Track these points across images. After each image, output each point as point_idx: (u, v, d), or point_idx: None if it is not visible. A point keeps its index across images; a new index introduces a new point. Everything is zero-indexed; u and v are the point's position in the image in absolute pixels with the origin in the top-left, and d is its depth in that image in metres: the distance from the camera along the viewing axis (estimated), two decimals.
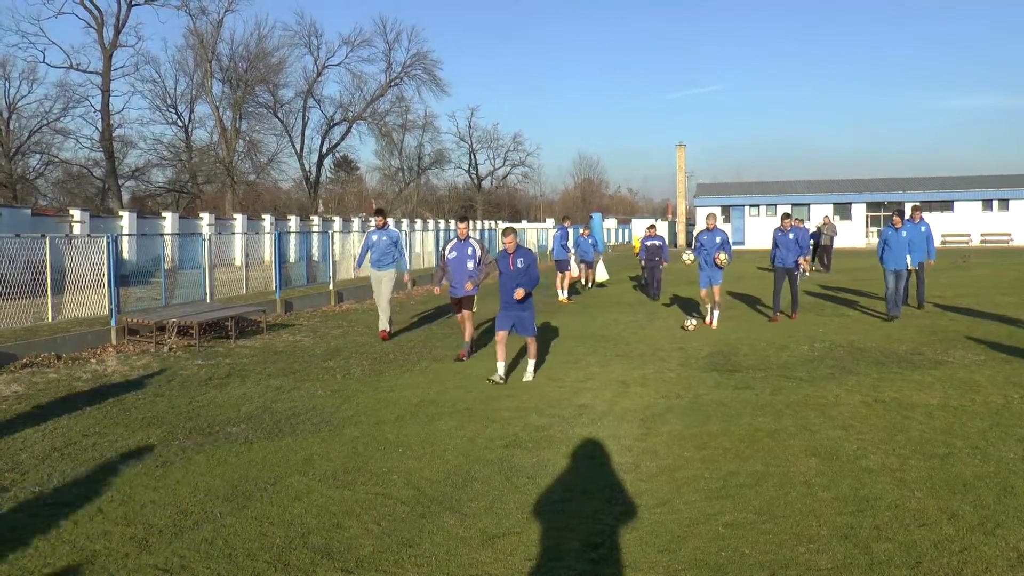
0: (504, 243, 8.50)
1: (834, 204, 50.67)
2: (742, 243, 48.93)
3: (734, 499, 4.69)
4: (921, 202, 48.99)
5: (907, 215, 14.00)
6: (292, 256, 20.00)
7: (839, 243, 47.21)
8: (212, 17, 46.96)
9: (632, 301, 16.90)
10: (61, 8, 46.24)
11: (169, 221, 27.18)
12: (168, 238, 16.29)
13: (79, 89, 46.02)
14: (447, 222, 44.34)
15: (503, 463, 5.46)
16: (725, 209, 52.64)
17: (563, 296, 17.13)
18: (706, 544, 4.05)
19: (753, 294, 17.08)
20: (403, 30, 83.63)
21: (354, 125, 57.47)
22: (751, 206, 51.72)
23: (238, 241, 18.36)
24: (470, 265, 9.66)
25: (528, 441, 6.01)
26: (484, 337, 11.14)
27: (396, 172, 64.52)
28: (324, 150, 57.49)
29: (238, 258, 17.10)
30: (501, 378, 8.09)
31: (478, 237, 10.14)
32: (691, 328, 11.77)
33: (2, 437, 6.13)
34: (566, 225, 19.05)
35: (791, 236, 12.95)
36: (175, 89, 50.63)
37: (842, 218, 50.26)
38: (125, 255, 16.98)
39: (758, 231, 49.30)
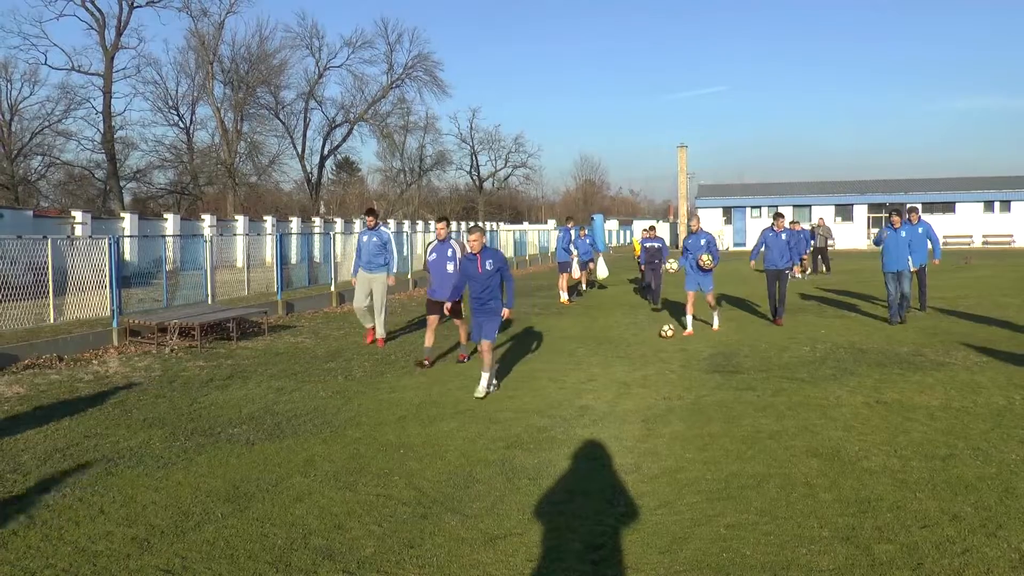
0: (469, 243, 7.79)
1: (836, 205, 50.68)
2: (743, 244, 48.93)
3: (735, 500, 4.69)
4: (923, 203, 49.07)
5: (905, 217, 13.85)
6: (293, 258, 20.04)
7: (841, 244, 47.55)
8: (213, 19, 47.05)
9: (633, 303, 16.89)
10: (63, 10, 46.36)
11: (170, 223, 27.21)
12: (170, 240, 16.31)
13: (81, 91, 46.35)
14: (448, 223, 44.38)
15: (504, 464, 5.46)
16: (727, 210, 52.68)
17: (564, 297, 17.13)
18: (707, 545, 4.05)
19: (754, 295, 17.06)
20: (404, 31, 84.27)
21: (355, 127, 57.60)
22: (752, 207, 51.72)
23: (239, 243, 18.38)
24: (450, 267, 9.33)
25: (529, 442, 6.01)
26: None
27: (398, 174, 64.56)
28: (325, 152, 57.63)
29: (239, 259, 17.11)
30: (484, 388, 7.61)
31: (458, 237, 9.60)
32: (668, 335, 11.20)
33: (4, 438, 6.14)
34: (569, 226, 18.94)
35: (783, 237, 12.49)
36: (176, 91, 50.81)
37: (843, 219, 50.30)
38: (127, 256, 17.01)
39: (760, 232, 49.33)
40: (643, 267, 17.13)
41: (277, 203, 55.06)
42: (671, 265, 13.14)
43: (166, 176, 51.03)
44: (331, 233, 18.43)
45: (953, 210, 49.36)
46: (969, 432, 6.03)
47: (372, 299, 10.95)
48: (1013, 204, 48.56)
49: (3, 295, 10.22)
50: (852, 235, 49.50)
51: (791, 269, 12.66)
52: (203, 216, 30.52)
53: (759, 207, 51.39)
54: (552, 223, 52.99)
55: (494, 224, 46.88)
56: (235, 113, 49.17)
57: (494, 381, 7.85)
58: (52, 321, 10.66)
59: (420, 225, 38.20)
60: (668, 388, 7.92)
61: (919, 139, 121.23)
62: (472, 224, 9.39)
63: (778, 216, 12.96)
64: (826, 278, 22.79)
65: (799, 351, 9.98)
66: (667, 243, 17.62)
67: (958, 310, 13.84)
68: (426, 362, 9.25)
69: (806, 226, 23.62)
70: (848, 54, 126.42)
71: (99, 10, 40.56)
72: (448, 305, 9.13)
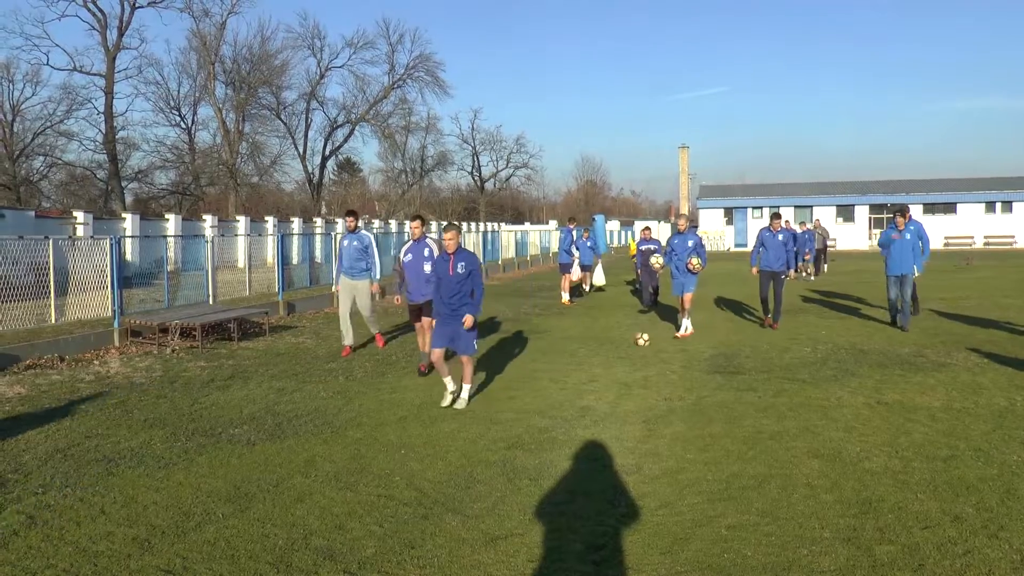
0: (444, 242, 7.31)
1: (837, 206, 50.65)
2: (744, 245, 48.90)
3: (737, 501, 4.69)
4: (924, 204, 49.12)
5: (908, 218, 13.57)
6: (295, 258, 20.01)
7: (842, 245, 47.51)
8: (215, 19, 47.14)
9: (634, 303, 16.88)
10: (65, 11, 46.58)
11: (172, 223, 27.23)
12: (171, 240, 16.32)
13: (82, 91, 46.30)
14: (450, 223, 44.38)
15: (505, 465, 5.46)
16: (728, 211, 52.67)
17: (566, 298, 17.12)
18: (708, 546, 4.05)
19: (755, 297, 17.00)
20: (406, 32, 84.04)
21: (357, 127, 57.64)
22: (754, 208, 51.70)
23: (241, 243, 18.40)
24: (427, 267, 8.76)
25: (530, 443, 6.00)
26: (482, 342, 11.12)
27: (399, 174, 64.59)
28: (327, 152, 57.68)
29: (241, 260, 17.13)
30: (452, 391, 7.23)
31: (436, 237, 8.92)
32: (642, 343, 10.61)
33: (5, 438, 6.15)
34: (571, 227, 18.82)
35: (780, 238, 12.14)
36: (178, 91, 50.86)
37: (844, 220, 50.28)
38: (128, 257, 17.02)
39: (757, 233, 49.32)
40: (639, 270, 17.02)
41: (279, 203, 55.08)
42: (656, 260, 12.78)
43: (168, 176, 51.15)
44: (332, 234, 18.44)
45: (954, 211, 49.31)
46: (970, 433, 6.02)
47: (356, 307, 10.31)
48: (1015, 205, 48.50)
49: (5, 295, 10.23)
50: (853, 236, 49.49)
51: (787, 272, 12.26)
52: (204, 216, 30.53)
53: (760, 208, 51.37)
54: (553, 223, 52.97)
55: (495, 224, 46.89)
56: (237, 113, 49.22)
57: (450, 398, 7.24)
58: (53, 321, 10.67)
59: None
60: (669, 389, 7.91)
61: (920, 140, 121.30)
62: (420, 223, 8.99)
63: (775, 216, 12.61)
64: (814, 281, 22.70)
65: (800, 352, 9.97)
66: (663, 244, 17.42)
67: (959, 311, 13.82)
68: (423, 368, 8.87)
69: (805, 227, 23.51)
70: (849, 55, 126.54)
71: (101, 10, 40.65)
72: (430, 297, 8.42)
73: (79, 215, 22.90)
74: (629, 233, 61.45)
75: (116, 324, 10.93)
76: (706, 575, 3.74)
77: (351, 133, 57.84)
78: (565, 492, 4.91)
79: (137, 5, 41.38)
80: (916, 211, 49.09)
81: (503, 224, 48.92)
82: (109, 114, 41.71)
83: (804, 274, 22.25)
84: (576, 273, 18.38)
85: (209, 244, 13.95)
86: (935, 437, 5.94)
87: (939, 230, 48.72)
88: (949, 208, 49.36)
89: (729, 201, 53.33)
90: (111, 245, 11.03)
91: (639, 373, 8.79)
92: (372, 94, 57.19)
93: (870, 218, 50.13)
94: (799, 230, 23.44)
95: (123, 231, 24.04)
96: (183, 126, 51.33)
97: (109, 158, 42.39)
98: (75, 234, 20.61)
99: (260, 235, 24.10)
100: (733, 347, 10.50)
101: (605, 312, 15.26)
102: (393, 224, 36.02)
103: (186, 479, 5.19)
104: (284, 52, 53.50)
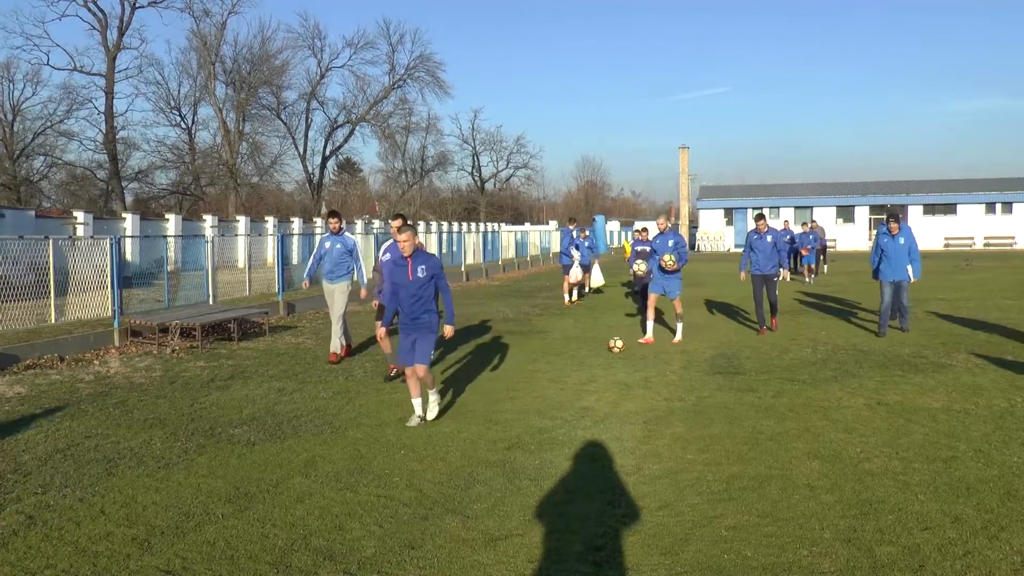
0: (400, 244, 6.54)
1: (837, 207, 50.68)
2: (744, 245, 48.86)
3: (737, 502, 4.68)
4: (924, 205, 49.14)
5: (903, 220, 13.05)
6: (295, 258, 20.01)
7: (842, 246, 47.52)
8: (215, 19, 47.12)
9: (635, 304, 16.87)
10: (65, 11, 46.49)
11: (172, 223, 27.24)
12: (171, 240, 16.32)
13: (83, 91, 46.28)
14: (450, 224, 44.42)
15: (505, 465, 5.46)
16: (728, 212, 52.72)
17: (567, 299, 17.12)
18: (708, 547, 4.04)
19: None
20: (406, 32, 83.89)
21: (357, 127, 57.62)
22: (754, 208, 51.65)
23: (241, 243, 18.40)
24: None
25: (530, 443, 6.00)
26: (475, 346, 11.09)
27: (399, 174, 64.62)
28: (327, 152, 57.65)
29: (241, 260, 17.13)
30: (420, 418, 6.63)
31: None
32: (617, 349, 10.14)
33: (5, 438, 6.14)
34: (571, 227, 18.69)
35: (768, 239, 11.78)
36: (178, 91, 50.84)
37: (844, 221, 50.31)
38: (128, 257, 17.03)
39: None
40: (634, 271, 16.85)
41: (279, 204, 55.11)
42: (639, 266, 12.30)
43: (168, 176, 51.12)
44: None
45: (955, 212, 49.35)
46: (971, 434, 6.02)
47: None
48: (1015, 206, 48.54)
49: (5, 295, 10.23)
50: (853, 237, 49.50)
51: (778, 273, 11.91)
52: (204, 216, 30.55)
53: (760, 208, 51.36)
54: (553, 224, 52.98)
55: (495, 225, 46.89)
56: (237, 113, 49.22)
57: (420, 414, 6.66)
58: (53, 321, 10.67)
59: (422, 226, 38.21)
60: (669, 389, 7.91)
61: (920, 140, 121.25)
62: (401, 222, 7.89)
63: (759, 218, 12.18)
64: (818, 279, 22.67)
65: (800, 353, 9.97)
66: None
67: (959, 312, 13.82)
68: (392, 371, 8.55)
69: (807, 227, 23.46)
70: (850, 55, 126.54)
71: (101, 10, 40.66)
72: None
73: (79, 215, 22.92)
74: (629, 233, 61.48)
75: (116, 324, 10.92)
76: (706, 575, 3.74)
77: (351, 133, 57.87)
78: (565, 492, 4.90)
79: (137, 5, 41.42)
80: (916, 212, 49.22)
81: (503, 224, 48.91)
82: (109, 114, 41.73)
83: (807, 279, 22.16)
84: (575, 274, 18.26)
85: (209, 244, 13.95)
86: (935, 438, 5.93)
87: (939, 231, 48.78)
88: (949, 209, 49.39)
89: (729, 202, 53.36)
90: (111, 245, 11.03)
91: (639, 374, 8.79)
92: (372, 94, 57.25)
93: (870, 219, 50.14)
94: (801, 231, 23.46)
95: (123, 231, 24.05)
96: (183, 126, 51.36)
97: (109, 158, 42.39)
98: (75, 234, 20.61)
99: (260, 235, 24.09)
100: (733, 348, 10.50)
101: (605, 313, 15.26)
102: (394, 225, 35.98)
103: (186, 479, 5.19)
104: (284, 52, 53.53)
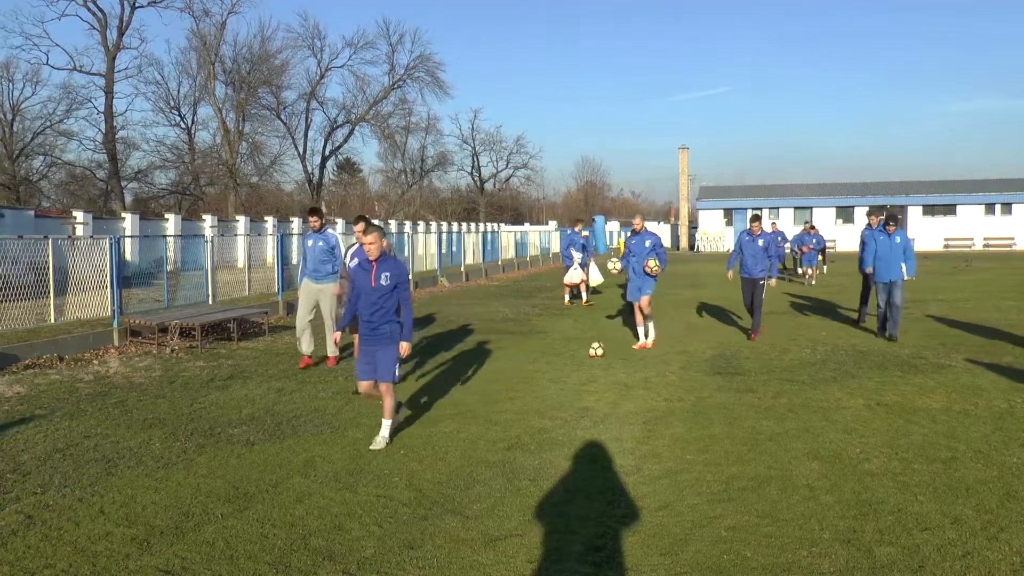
0: (365, 247, 6.08)
1: (837, 207, 50.69)
2: None
3: (736, 502, 4.68)
4: (924, 205, 49.15)
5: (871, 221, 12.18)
6: (294, 258, 19.99)
7: (842, 246, 47.51)
8: (215, 19, 47.00)
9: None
10: (65, 10, 46.44)
11: (172, 223, 27.22)
12: (171, 240, 16.32)
13: (82, 91, 46.30)
14: (449, 224, 44.40)
15: (505, 465, 5.46)
16: (728, 212, 52.73)
17: (567, 299, 17.09)
18: (708, 547, 4.04)
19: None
20: (406, 32, 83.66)
21: (357, 127, 57.56)
22: (753, 209, 51.71)
23: (240, 243, 18.40)
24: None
25: (530, 443, 6.00)
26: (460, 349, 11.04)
27: (399, 174, 64.58)
28: (327, 152, 57.60)
29: (240, 260, 17.13)
30: (384, 439, 5.99)
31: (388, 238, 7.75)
32: (597, 355, 9.89)
33: (4, 438, 6.14)
34: (577, 228, 18.29)
35: (760, 243, 11.27)
36: (178, 91, 50.81)
37: (844, 221, 50.31)
38: (128, 257, 17.02)
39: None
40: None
41: (278, 203, 55.06)
42: (614, 265, 11.59)
43: (167, 176, 51.09)
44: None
45: (954, 212, 49.36)
46: (970, 435, 6.02)
47: (319, 314, 9.44)
48: (1014, 207, 48.54)
49: (4, 295, 10.23)
50: (853, 237, 49.46)
51: (766, 279, 11.33)
52: (204, 216, 30.52)
53: (760, 209, 51.37)
54: (553, 224, 52.99)
55: (495, 225, 46.88)
56: (236, 113, 49.18)
57: (382, 443, 5.96)
58: (53, 321, 10.67)
59: (421, 226, 38.21)
60: (669, 390, 7.91)
61: (920, 141, 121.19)
62: (364, 224, 7.34)
63: (755, 219, 11.61)
64: (818, 280, 22.65)
65: (800, 353, 9.97)
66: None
67: (959, 313, 13.82)
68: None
69: (798, 228, 23.43)
70: (850, 56, 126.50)
71: (101, 10, 40.59)
72: None
73: (79, 215, 22.89)
74: (629, 233, 61.44)
75: (115, 324, 10.92)
76: None
77: (351, 133, 57.82)
78: (565, 493, 4.90)
79: (137, 5, 41.36)
80: (916, 212, 49.26)
81: (503, 225, 48.90)
82: (109, 114, 41.70)
83: (806, 281, 22.12)
84: (573, 276, 18.07)
85: (209, 244, 13.94)
86: (935, 439, 5.94)
87: (939, 232, 48.82)
88: (949, 210, 49.41)
89: (729, 202, 53.37)
90: (110, 245, 11.03)
91: (639, 374, 8.78)
92: (372, 94, 57.19)
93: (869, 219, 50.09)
94: (802, 231, 23.46)
95: (123, 231, 24.03)
96: (183, 126, 51.34)
97: (109, 158, 42.36)
98: (74, 234, 20.60)
99: (260, 235, 24.07)
100: (733, 348, 10.50)
101: (605, 312, 15.25)
102: (393, 224, 35.97)
103: (185, 479, 5.19)
104: (284, 52, 53.45)
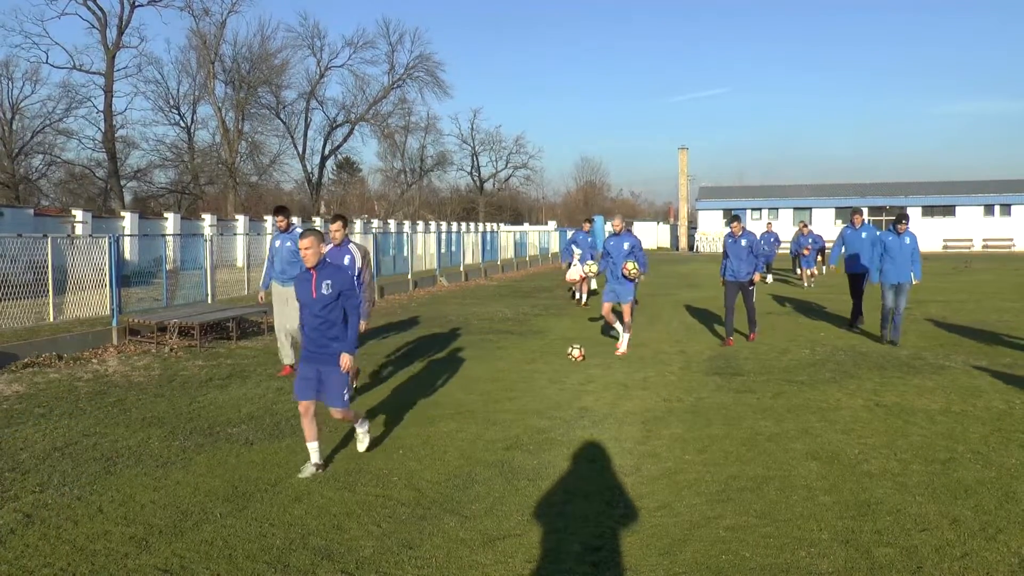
0: (302, 251, 5.26)
1: (836, 208, 50.73)
2: None
3: (735, 502, 4.68)
4: (923, 206, 49.17)
5: (858, 219, 12.64)
6: None
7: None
8: (215, 18, 47.00)
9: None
10: (64, 9, 46.52)
11: (171, 222, 27.22)
12: (170, 239, 16.30)
13: (82, 90, 46.18)
14: (449, 224, 44.40)
15: (504, 465, 5.46)
16: (727, 213, 52.69)
17: (578, 295, 17.07)
18: (707, 547, 4.05)
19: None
20: (406, 32, 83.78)
21: (356, 127, 57.56)
22: (753, 209, 51.77)
23: (240, 242, 18.40)
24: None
25: (529, 443, 6.00)
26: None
27: (398, 174, 64.60)
28: (326, 152, 57.60)
29: (240, 259, 17.12)
30: (317, 465, 5.32)
31: (360, 241, 6.99)
32: (575, 357, 9.59)
33: (3, 436, 6.14)
34: (585, 229, 18.12)
35: (743, 244, 10.97)
36: (178, 90, 50.76)
37: (844, 222, 50.29)
38: (127, 256, 17.02)
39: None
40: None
41: (278, 203, 54.95)
42: (590, 267, 11.30)
43: (167, 175, 51.09)
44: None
45: (953, 213, 49.42)
46: (969, 436, 6.02)
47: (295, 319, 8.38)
48: (1013, 208, 48.62)
49: (3, 294, 10.22)
50: None
51: (753, 282, 11.05)
52: (203, 215, 30.53)
53: (759, 209, 51.47)
54: (552, 224, 52.99)
55: (494, 225, 46.88)
56: (236, 113, 49.16)
57: (312, 470, 5.29)
58: (52, 320, 10.66)
59: (420, 226, 38.21)
60: (668, 390, 7.91)
61: (920, 142, 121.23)
62: (305, 225, 6.08)
63: (734, 220, 11.22)
64: (818, 280, 22.64)
65: (799, 354, 9.97)
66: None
67: (958, 314, 13.83)
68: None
69: (795, 228, 23.44)
70: (849, 56, 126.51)
71: (101, 9, 40.55)
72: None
73: (78, 213, 22.88)
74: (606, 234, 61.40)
75: (114, 323, 10.91)
76: None
77: (350, 133, 57.81)
78: (563, 493, 4.90)
79: (137, 4, 41.31)
80: (915, 213, 49.21)
81: (502, 225, 48.91)
82: (108, 113, 41.66)
83: (806, 283, 22.08)
84: (572, 274, 18.07)
85: (208, 243, 13.93)
86: (933, 440, 5.94)
87: (938, 233, 48.84)
88: (948, 211, 49.47)
89: (728, 203, 53.42)
90: (110, 244, 11.02)
91: (638, 374, 8.79)
92: (372, 94, 57.18)
93: (869, 220, 50.17)
94: (798, 231, 23.45)
95: (122, 230, 24.02)
96: (182, 125, 51.29)
97: (108, 157, 42.33)
98: (74, 232, 20.60)
99: (259, 234, 24.06)
100: (732, 349, 10.51)
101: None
102: (392, 224, 35.98)
103: (184, 478, 5.19)
104: (284, 51, 53.45)
